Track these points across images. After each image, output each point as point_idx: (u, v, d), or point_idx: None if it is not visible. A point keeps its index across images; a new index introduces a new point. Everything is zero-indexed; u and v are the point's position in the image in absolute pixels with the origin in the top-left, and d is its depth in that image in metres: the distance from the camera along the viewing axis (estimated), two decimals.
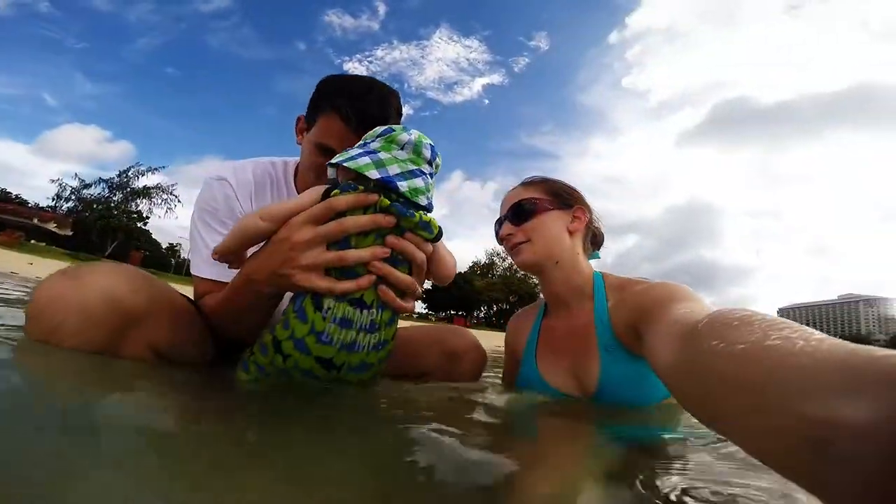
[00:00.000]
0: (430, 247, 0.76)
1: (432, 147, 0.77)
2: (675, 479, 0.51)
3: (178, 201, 43.64)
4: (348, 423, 0.64)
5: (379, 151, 0.73)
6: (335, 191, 0.71)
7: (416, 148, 0.74)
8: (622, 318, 0.92)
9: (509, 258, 1.17)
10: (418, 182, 0.73)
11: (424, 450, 0.52)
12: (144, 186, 42.77)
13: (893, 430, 0.19)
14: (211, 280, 1.02)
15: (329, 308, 0.69)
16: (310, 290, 0.69)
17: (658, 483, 0.49)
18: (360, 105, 0.94)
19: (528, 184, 1.14)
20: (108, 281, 0.72)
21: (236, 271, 0.90)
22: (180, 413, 0.58)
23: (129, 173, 42.62)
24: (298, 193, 1.09)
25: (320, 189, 0.73)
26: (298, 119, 1.11)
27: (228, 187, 1.08)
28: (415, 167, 0.73)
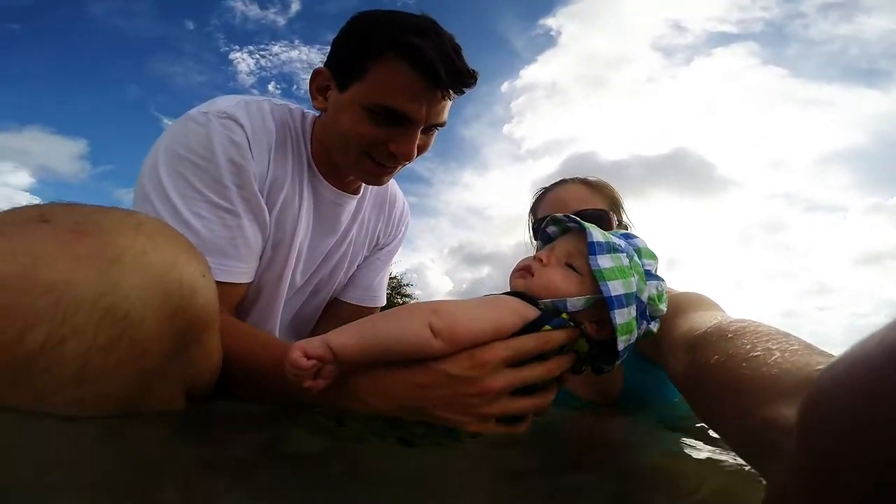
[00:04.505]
0: None
1: None
2: None
3: None
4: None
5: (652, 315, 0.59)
6: (547, 326, 0.54)
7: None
8: None
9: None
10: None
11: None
12: None
13: (801, 428, 0.22)
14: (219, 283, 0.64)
15: None
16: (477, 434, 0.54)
17: None
18: (436, 48, 0.67)
19: (594, 186, 1.02)
20: (169, 251, 0.39)
21: (246, 268, 0.70)
22: None
23: None
24: (316, 164, 0.83)
25: (513, 306, 0.55)
26: (317, 73, 0.78)
27: (240, 133, 0.70)
28: None
